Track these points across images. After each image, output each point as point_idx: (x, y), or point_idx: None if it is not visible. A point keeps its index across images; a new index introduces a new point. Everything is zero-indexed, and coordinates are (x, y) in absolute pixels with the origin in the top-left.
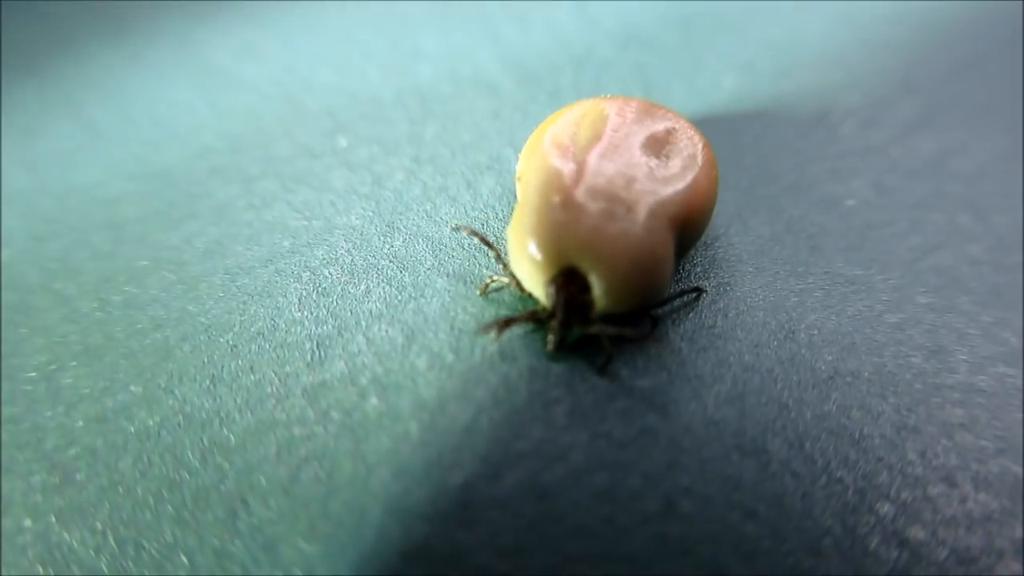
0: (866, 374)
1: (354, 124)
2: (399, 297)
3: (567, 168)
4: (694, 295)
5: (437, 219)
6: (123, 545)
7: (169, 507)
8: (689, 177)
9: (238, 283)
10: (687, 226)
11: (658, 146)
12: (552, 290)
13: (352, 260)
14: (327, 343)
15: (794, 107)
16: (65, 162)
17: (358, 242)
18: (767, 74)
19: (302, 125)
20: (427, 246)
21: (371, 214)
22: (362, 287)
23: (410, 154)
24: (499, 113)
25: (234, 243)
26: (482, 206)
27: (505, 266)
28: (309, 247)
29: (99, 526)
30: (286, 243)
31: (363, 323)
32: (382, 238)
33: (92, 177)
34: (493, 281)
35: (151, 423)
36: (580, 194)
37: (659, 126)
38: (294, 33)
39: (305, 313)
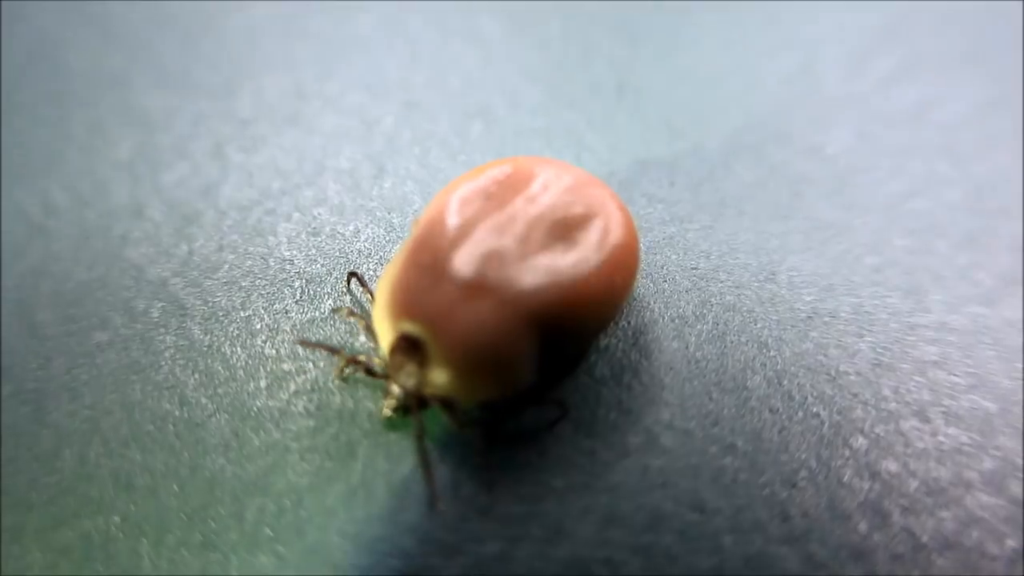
0: (844, 314)
1: (344, 70)
2: (387, 237)
3: (454, 230)
4: (557, 412)
5: (426, 163)
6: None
7: (168, 436)
8: (578, 275)
9: (229, 222)
10: (559, 325)
11: (567, 231)
12: (395, 354)
13: (342, 201)
14: (317, 281)
15: (779, 57)
16: (58, 109)
17: (348, 184)
18: (752, 27)
19: (293, 70)
20: (416, 188)
21: (360, 157)
22: (351, 227)
23: (400, 100)
24: (487, 61)
25: (225, 184)
26: (469, 150)
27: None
28: (299, 188)
29: None
30: (276, 184)
31: (352, 262)
32: (371, 180)
33: (85, 119)
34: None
35: (144, 360)
36: (450, 262)
37: (578, 209)
38: None
39: (295, 252)
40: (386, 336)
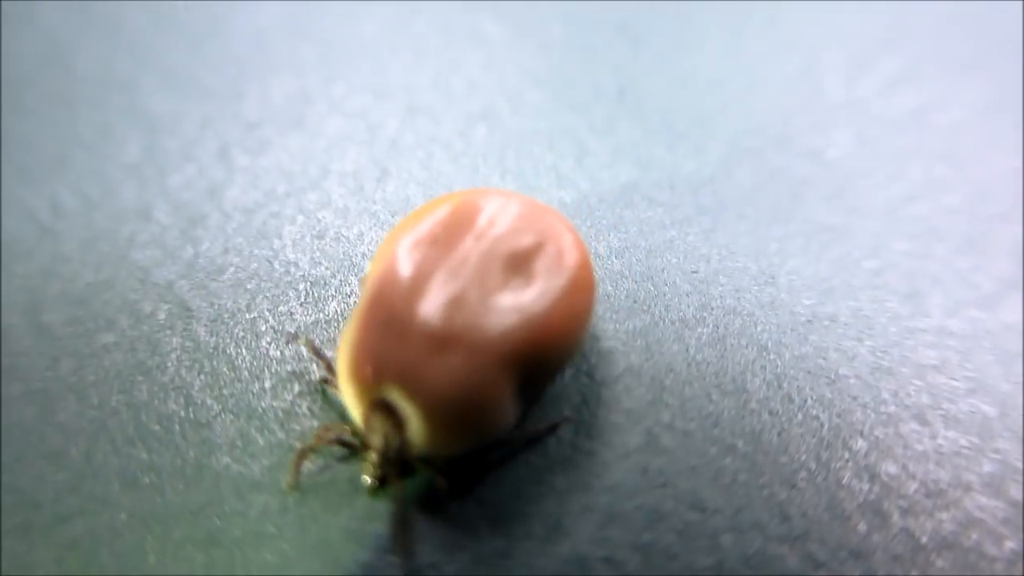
0: (843, 317)
1: (349, 74)
2: None
3: (408, 281)
4: (556, 426)
5: (429, 166)
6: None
7: (173, 436)
8: (542, 307)
9: (234, 225)
10: (533, 362)
11: (521, 264)
12: (370, 421)
13: (346, 204)
14: (321, 283)
15: (779, 62)
16: (66, 112)
17: (352, 187)
18: (753, 31)
19: (298, 73)
20: (419, 191)
21: (365, 160)
22: (355, 230)
23: (403, 103)
24: (490, 65)
25: (231, 186)
26: (472, 153)
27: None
28: (303, 191)
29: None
30: (281, 187)
31: (356, 265)
32: (375, 183)
33: (93, 122)
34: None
35: (150, 361)
36: (412, 317)
37: (527, 239)
38: None
39: (300, 255)
40: (356, 405)
